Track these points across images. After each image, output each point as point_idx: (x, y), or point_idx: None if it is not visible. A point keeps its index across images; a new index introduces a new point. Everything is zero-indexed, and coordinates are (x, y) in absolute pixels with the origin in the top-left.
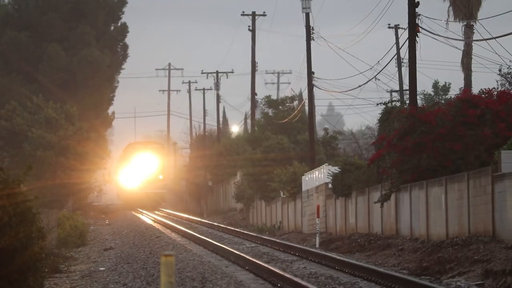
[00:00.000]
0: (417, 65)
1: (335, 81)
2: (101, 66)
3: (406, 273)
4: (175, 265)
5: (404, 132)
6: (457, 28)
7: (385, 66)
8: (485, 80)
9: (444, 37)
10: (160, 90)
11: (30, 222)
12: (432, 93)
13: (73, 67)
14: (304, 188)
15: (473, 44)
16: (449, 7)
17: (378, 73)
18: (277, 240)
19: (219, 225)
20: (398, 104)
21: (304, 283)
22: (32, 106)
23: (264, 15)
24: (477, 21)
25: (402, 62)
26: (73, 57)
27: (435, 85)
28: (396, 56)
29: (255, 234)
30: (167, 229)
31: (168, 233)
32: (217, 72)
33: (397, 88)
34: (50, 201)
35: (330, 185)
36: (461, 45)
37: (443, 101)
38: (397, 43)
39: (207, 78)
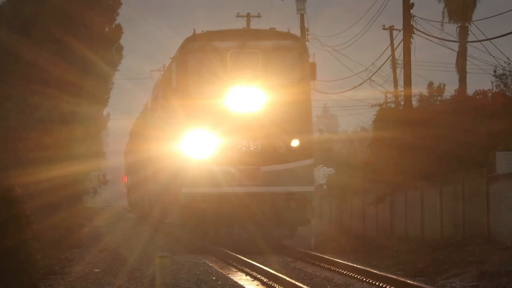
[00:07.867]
0: (412, 66)
1: (330, 82)
2: (96, 68)
3: (401, 274)
4: (170, 266)
5: (399, 134)
6: (452, 29)
7: (379, 68)
8: (480, 81)
9: (438, 38)
10: None
11: (25, 224)
12: (427, 94)
13: (67, 69)
14: None
15: (467, 45)
16: (443, 8)
17: (373, 74)
18: None
19: None
20: (393, 105)
21: (299, 284)
22: (27, 107)
23: (259, 16)
24: (471, 23)
25: (397, 63)
26: (68, 59)
27: (430, 86)
28: (390, 57)
29: None
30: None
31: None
32: None
33: (392, 89)
34: (44, 202)
35: (325, 187)
36: (455, 46)
37: (438, 103)
38: (392, 44)
39: None
